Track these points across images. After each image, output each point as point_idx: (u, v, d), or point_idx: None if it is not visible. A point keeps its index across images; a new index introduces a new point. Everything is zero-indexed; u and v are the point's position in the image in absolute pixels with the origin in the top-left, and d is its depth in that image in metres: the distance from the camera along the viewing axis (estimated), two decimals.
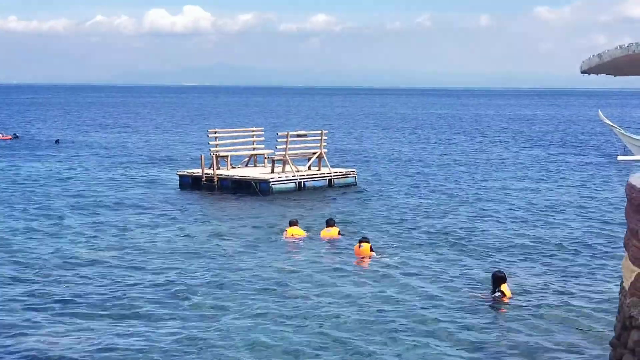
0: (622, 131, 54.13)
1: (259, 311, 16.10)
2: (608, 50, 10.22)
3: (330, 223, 24.19)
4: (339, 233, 23.89)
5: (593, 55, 10.93)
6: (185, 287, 17.97)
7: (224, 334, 14.75)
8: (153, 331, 14.89)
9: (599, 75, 12.02)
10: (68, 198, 31.79)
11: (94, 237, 24.12)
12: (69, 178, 38.75)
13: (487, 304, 16.88)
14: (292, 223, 24.32)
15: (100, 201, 31.19)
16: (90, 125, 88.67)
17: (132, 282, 18.47)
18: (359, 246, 21.28)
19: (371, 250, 21.21)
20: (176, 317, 15.81)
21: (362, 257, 21.00)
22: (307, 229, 24.71)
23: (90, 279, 18.80)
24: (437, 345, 14.27)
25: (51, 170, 42.27)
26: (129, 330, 14.98)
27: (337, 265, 20.32)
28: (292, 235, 23.87)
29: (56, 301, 16.84)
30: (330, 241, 23.37)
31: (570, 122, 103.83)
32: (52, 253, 21.65)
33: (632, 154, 50.41)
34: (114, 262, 20.59)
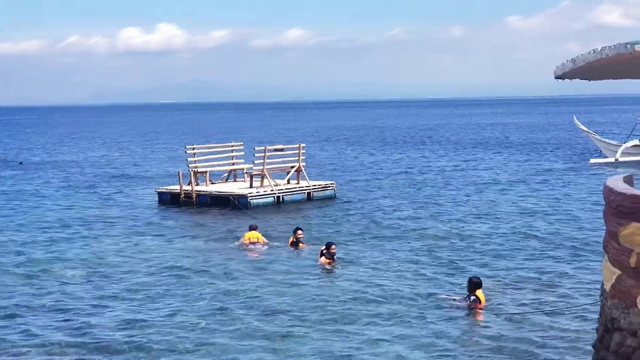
0: (597, 136, 54.72)
1: (232, 323, 16.14)
2: (581, 55, 10.32)
3: (295, 230, 24.77)
4: (294, 241, 24.31)
5: (567, 60, 11.03)
6: (160, 302, 17.92)
7: (196, 346, 14.77)
8: (127, 347, 14.84)
9: (573, 80, 12.15)
10: (50, 213, 31.61)
11: (71, 252, 24.10)
12: (46, 196, 38.46)
13: (462, 309, 16.96)
14: (252, 228, 25.22)
15: (79, 218, 31.05)
16: (65, 145, 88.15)
17: (108, 298, 18.34)
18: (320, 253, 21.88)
19: (321, 255, 21.64)
20: (151, 331, 15.75)
21: (327, 264, 21.41)
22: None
23: (65, 294, 18.69)
24: (410, 351, 14.30)
25: (28, 190, 41.89)
26: (103, 346, 14.95)
27: (307, 273, 20.67)
28: (249, 239, 24.73)
29: (25, 322, 16.74)
30: (298, 250, 23.90)
31: (544, 128, 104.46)
32: (27, 270, 21.51)
33: (607, 157, 50.95)
34: (93, 277, 20.49)
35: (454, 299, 17.56)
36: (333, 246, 21.82)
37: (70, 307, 17.84)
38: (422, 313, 16.63)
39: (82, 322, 16.57)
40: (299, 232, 24.54)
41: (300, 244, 24.16)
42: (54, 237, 27.27)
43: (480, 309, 16.90)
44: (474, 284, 17.38)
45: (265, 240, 24.91)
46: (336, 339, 15.07)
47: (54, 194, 40.05)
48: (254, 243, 24.65)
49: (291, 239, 24.49)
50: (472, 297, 17.18)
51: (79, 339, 15.43)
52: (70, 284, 20.12)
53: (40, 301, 18.41)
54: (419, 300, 17.63)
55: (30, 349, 14.84)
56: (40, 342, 15.30)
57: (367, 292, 18.47)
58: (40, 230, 28.66)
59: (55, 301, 18.39)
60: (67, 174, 51.50)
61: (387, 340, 14.91)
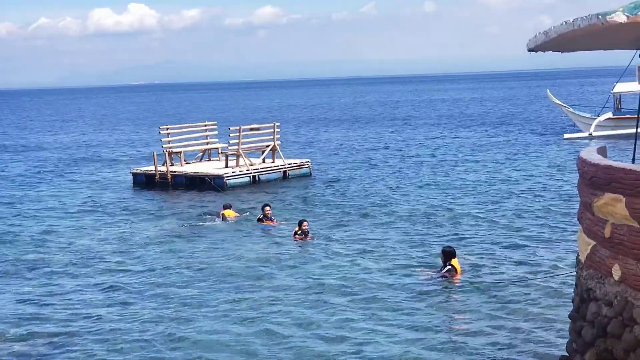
0: (571, 109, 54.93)
1: (211, 306, 16.05)
2: (554, 27, 10.32)
3: (263, 207, 25.02)
4: (261, 217, 24.57)
5: (539, 33, 11.03)
6: (134, 285, 17.87)
7: (173, 330, 14.67)
8: (104, 331, 14.74)
9: (546, 52, 12.14)
10: (29, 193, 31.35)
11: (45, 235, 24.02)
12: (15, 180, 38.13)
13: (438, 280, 17.06)
14: (226, 207, 26.05)
15: (52, 201, 30.82)
16: (38, 127, 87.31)
17: (83, 282, 18.25)
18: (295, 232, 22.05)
19: (295, 234, 21.88)
20: (127, 316, 15.68)
21: (301, 240, 21.63)
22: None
23: (37, 279, 18.58)
24: (389, 322, 14.39)
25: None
26: (81, 331, 14.79)
27: (281, 252, 20.71)
28: (222, 216, 25.56)
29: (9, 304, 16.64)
30: (271, 228, 23.99)
31: (517, 102, 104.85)
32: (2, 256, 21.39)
33: (581, 131, 51.22)
34: (69, 260, 20.34)
35: (430, 272, 17.64)
36: (305, 223, 22.03)
37: (42, 292, 17.73)
38: (398, 288, 16.65)
39: (56, 306, 16.50)
40: (267, 208, 24.85)
41: (265, 220, 24.39)
42: (26, 221, 27.05)
43: (457, 279, 16.99)
44: (448, 254, 17.45)
45: (237, 214, 25.84)
46: (310, 317, 15.03)
47: (24, 178, 39.65)
48: (226, 220, 25.30)
49: (259, 216, 24.78)
50: (448, 267, 17.25)
51: (51, 325, 15.36)
52: (44, 267, 19.96)
53: (10, 287, 18.29)
54: (394, 276, 17.67)
55: None
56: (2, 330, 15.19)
57: (340, 269, 18.52)
58: (12, 215, 28.41)
59: (26, 287, 18.25)
60: (38, 158, 51.02)
61: (362, 317, 14.92)
